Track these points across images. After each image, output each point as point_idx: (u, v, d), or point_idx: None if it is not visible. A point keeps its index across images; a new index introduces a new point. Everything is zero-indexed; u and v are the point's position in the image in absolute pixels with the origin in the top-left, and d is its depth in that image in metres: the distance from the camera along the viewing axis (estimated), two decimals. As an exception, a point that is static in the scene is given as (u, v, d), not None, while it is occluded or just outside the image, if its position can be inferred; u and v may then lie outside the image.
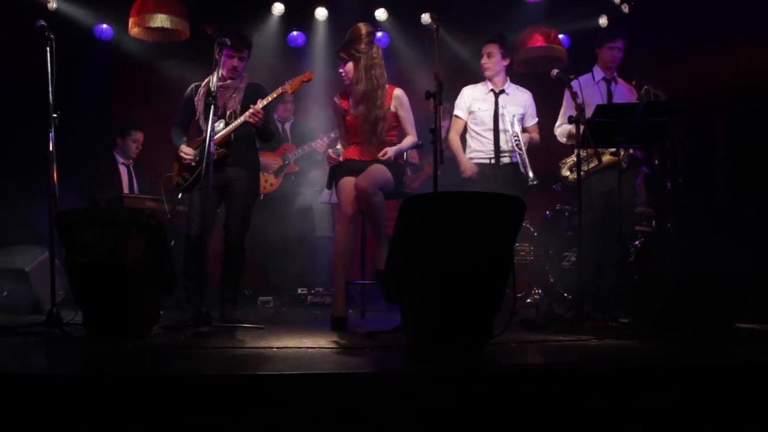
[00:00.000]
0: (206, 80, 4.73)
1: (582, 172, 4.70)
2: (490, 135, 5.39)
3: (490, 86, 5.48)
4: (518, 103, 5.45)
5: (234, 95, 4.68)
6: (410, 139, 4.69)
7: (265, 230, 6.38)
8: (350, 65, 4.55)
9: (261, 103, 4.53)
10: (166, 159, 5.32)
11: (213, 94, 4.26)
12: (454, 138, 5.56)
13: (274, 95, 4.60)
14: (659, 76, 5.67)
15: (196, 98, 4.73)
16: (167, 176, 5.04)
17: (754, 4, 5.84)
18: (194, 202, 4.65)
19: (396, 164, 4.61)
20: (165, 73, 6.64)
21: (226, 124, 4.62)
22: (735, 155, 6.52)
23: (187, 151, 4.67)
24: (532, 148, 5.47)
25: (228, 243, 4.65)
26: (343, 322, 4.32)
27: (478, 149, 5.44)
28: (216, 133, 4.51)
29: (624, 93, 5.35)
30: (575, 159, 5.30)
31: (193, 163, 4.66)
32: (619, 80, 5.46)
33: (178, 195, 5.16)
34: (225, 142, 4.59)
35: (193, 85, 4.83)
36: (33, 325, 4.08)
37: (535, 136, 5.46)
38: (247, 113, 4.52)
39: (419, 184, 6.64)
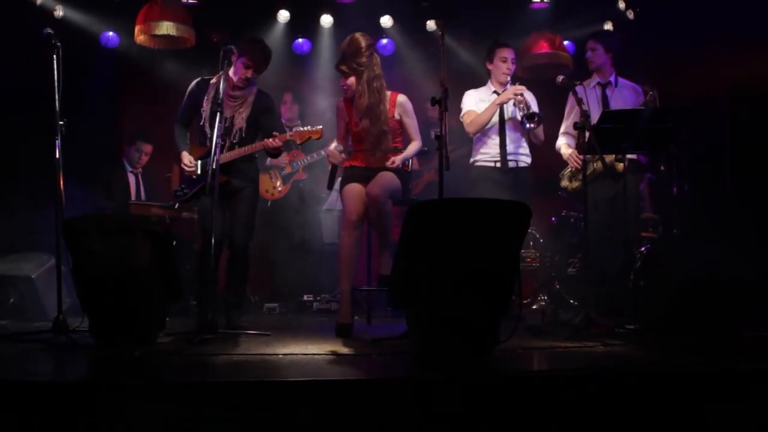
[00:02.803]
0: (215, 78, 4.65)
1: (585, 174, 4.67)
2: (496, 138, 5.38)
3: (494, 88, 5.48)
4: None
5: (242, 110, 4.63)
6: (415, 145, 4.68)
7: (272, 237, 6.37)
8: (352, 79, 4.54)
9: (279, 139, 4.52)
10: (172, 165, 5.30)
11: (219, 101, 4.28)
12: (472, 122, 5.37)
13: (287, 137, 4.59)
14: (663, 79, 5.64)
15: (205, 98, 4.64)
16: (167, 176, 4.98)
17: (758, 7, 5.83)
18: (207, 211, 4.61)
19: (402, 171, 4.61)
20: (170, 79, 6.65)
21: (231, 145, 4.56)
22: (740, 158, 6.49)
23: (188, 162, 4.62)
24: (534, 148, 5.46)
25: (232, 250, 4.64)
26: (348, 329, 4.31)
27: (483, 152, 5.42)
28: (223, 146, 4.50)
29: (621, 96, 5.29)
30: (571, 170, 5.32)
31: (194, 176, 4.62)
32: (623, 82, 5.39)
33: (174, 205, 5.11)
34: (228, 162, 4.53)
35: (199, 79, 4.74)
36: (40, 331, 4.09)
37: (539, 132, 5.42)
38: (267, 144, 4.51)
39: (420, 191, 6.65)
